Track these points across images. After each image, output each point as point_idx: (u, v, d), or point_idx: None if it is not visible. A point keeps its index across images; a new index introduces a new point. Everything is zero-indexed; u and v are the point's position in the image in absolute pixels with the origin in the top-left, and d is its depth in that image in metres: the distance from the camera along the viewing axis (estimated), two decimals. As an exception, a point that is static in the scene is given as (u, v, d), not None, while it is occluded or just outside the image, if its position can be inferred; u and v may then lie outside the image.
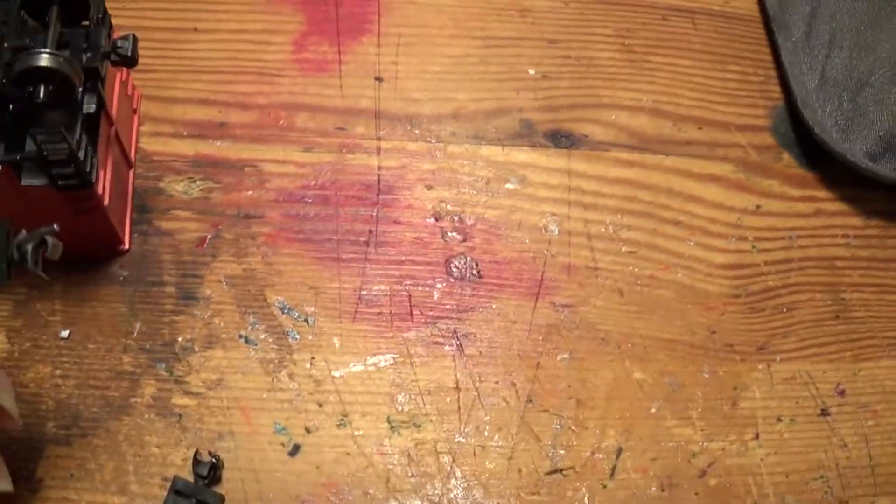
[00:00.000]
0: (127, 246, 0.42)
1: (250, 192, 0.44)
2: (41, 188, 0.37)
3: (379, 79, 0.46)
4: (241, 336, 0.41)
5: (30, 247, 0.26)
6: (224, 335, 0.41)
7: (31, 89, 0.36)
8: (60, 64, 0.35)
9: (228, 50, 0.47)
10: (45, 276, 0.27)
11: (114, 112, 0.41)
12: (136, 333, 0.41)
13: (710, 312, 0.43)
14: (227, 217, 0.43)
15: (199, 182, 0.44)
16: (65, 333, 0.41)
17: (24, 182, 0.37)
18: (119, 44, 0.39)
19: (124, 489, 0.38)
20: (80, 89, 0.37)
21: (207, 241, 0.43)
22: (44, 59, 0.35)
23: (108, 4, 0.37)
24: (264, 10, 0.48)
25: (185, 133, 0.45)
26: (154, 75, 0.45)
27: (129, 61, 0.39)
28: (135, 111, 0.45)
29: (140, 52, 0.37)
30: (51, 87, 0.36)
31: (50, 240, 0.26)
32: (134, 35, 0.38)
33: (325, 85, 0.46)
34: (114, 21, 0.38)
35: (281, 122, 0.45)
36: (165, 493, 0.38)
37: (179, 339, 0.41)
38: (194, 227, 0.43)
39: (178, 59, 0.46)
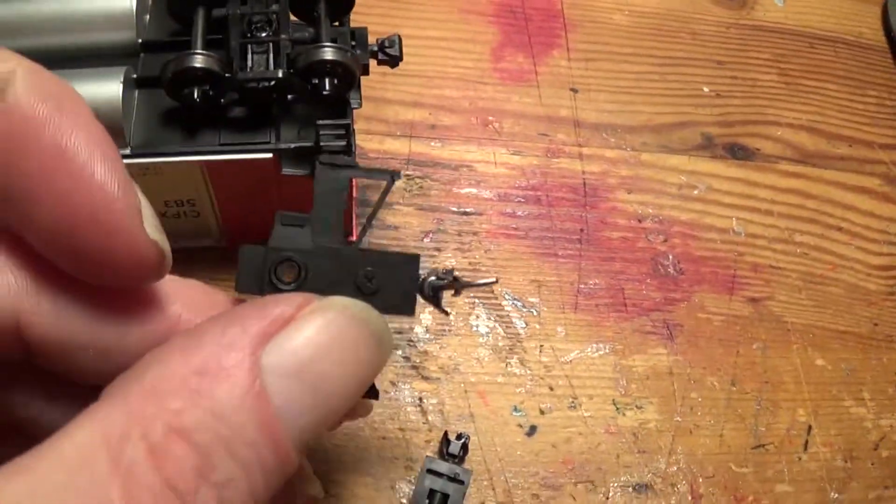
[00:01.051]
0: (354, 237, 0.45)
1: (467, 191, 0.47)
2: (300, 178, 0.40)
3: (574, 90, 0.51)
4: (472, 325, 0.45)
5: (442, 290, 0.29)
6: (457, 324, 0.44)
7: (316, 81, 0.38)
8: (347, 58, 0.38)
9: (431, 56, 0.50)
10: (448, 312, 0.30)
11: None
12: (369, 321, 0.44)
13: (872, 308, 0.49)
14: (448, 213, 0.47)
15: (417, 180, 0.47)
16: (300, 321, 0.43)
17: (285, 171, 0.39)
18: (387, 43, 0.42)
19: (368, 471, 0.41)
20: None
21: (431, 235, 0.46)
22: (332, 53, 0.38)
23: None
24: (459, 20, 0.52)
25: (399, 133, 0.48)
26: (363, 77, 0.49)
27: (395, 61, 0.42)
28: (348, 110, 0.48)
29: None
30: (335, 81, 0.39)
31: (461, 280, 0.29)
32: (399, 36, 0.42)
33: (525, 94, 0.50)
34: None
35: (488, 126, 0.49)
36: (411, 475, 0.41)
37: (415, 327, 0.44)
38: (417, 221, 0.46)
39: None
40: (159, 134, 0.39)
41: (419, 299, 0.27)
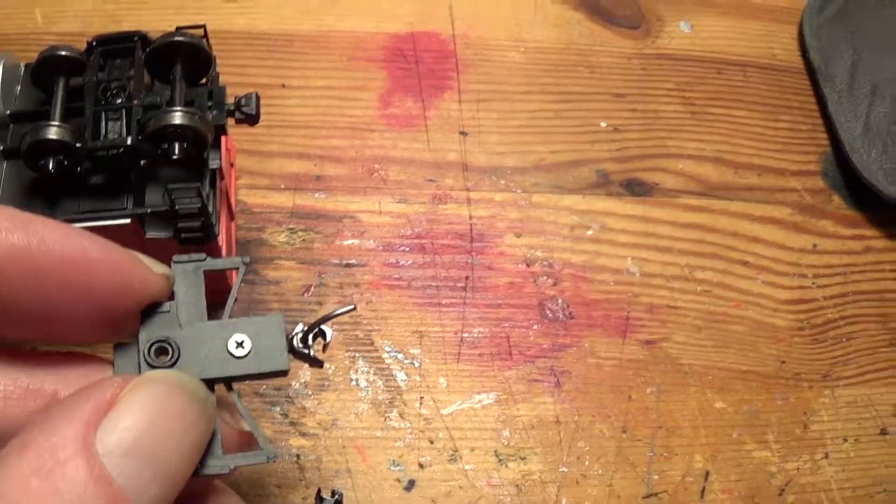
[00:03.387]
0: (236, 295, 0.48)
1: (350, 242, 0.50)
2: (164, 240, 0.42)
3: (463, 133, 0.53)
4: (351, 379, 0.47)
5: (311, 339, 0.31)
6: (336, 378, 0.47)
7: (166, 146, 0.41)
8: (196, 122, 0.40)
9: (317, 106, 0.53)
10: (322, 363, 0.32)
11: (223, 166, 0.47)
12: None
13: (780, 344, 0.50)
14: (330, 266, 0.49)
15: (300, 233, 0.50)
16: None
17: (149, 235, 0.42)
18: (243, 102, 0.44)
19: (248, 528, 0.43)
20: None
21: (312, 288, 0.48)
22: (180, 117, 0.40)
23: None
24: (346, 67, 0.54)
25: (283, 186, 0.51)
26: (248, 130, 0.51)
27: (253, 119, 0.44)
28: (232, 165, 0.50)
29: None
30: (185, 145, 0.41)
31: (328, 331, 0.32)
32: (257, 94, 0.44)
33: (413, 139, 0.52)
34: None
35: (374, 174, 0.51)
36: (291, 530, 0.43)
37: (293, 383, 0.46)
38: (298, 275, 0.49)
39: (270, 114, 0.52)
40: (24, 205, 0.41)
41: (292, 358, 0.30)
